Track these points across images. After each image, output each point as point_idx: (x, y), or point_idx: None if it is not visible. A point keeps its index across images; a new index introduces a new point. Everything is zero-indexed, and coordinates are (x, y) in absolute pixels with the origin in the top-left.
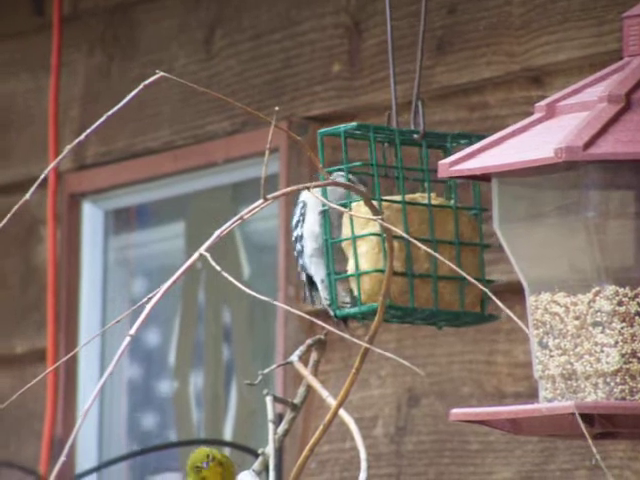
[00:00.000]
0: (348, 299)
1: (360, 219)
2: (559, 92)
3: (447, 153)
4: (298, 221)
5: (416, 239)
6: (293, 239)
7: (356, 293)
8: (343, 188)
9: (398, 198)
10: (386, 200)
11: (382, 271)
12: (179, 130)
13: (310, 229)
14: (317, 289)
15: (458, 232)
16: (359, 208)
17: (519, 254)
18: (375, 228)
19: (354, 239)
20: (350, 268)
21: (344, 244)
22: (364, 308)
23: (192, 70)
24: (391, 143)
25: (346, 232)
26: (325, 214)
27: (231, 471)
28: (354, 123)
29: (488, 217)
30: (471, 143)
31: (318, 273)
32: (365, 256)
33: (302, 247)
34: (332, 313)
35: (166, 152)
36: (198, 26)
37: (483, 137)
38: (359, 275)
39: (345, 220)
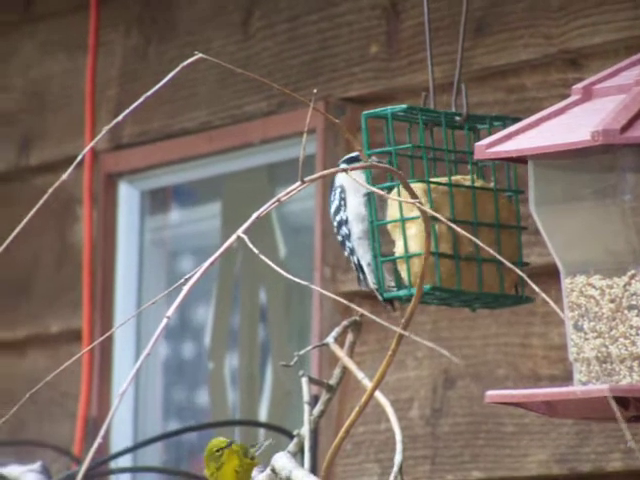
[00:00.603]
0: (393, 282)
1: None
2: (595, 75)
3: (475, 134)
4: (339, 206)
5: (460, 222)
6: (336, 224)
7: (403, 275)
8: (382, 170)
9: (444, 180)
10: (434, 182)
11: (433, 254)
12: (216, 111)
13: (355, 211)
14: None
15: (498, 215)
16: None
17: (555, 237)
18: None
19: (403, 221)
20: (398, 250)
21: (390, 226)
22: (413, 290)
23: (229, 51)
24: (426, 125)
25: (392, 214)
26: (370, 196)
27: (247, 465)
28: (403, 105)
29: (524, 199)
30: (505, 126)
31: (365, 256)
32: (414, 238)
33: (348, 231)
34: (379, 296)
35: (202, 133)
36: (235, 8)
37: (518, 120)
38: (408, 257)
39: (391, 202)
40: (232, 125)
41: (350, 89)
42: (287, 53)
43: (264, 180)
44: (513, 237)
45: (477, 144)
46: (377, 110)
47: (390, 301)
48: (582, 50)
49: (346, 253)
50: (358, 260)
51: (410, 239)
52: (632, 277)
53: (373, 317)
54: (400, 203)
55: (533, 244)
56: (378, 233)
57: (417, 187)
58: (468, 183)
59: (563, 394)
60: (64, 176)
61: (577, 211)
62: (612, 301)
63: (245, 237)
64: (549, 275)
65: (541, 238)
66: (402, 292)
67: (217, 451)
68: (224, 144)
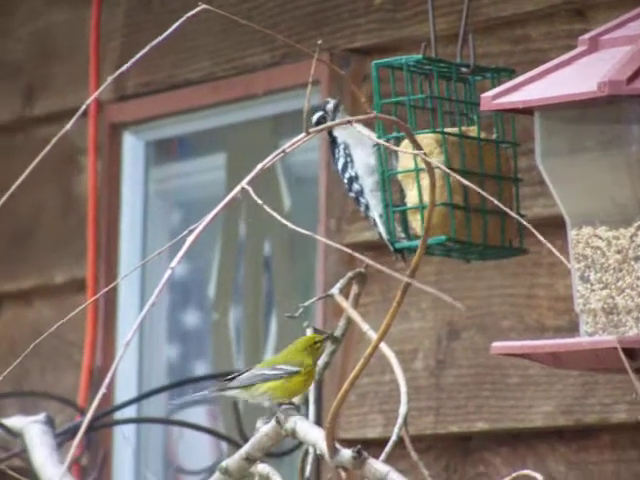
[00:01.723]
0: (403, 233)
1: (424, 150)
2: (602, 26)
3: (470, 86)
4: (346, 162)
5: (470, 173)
6: (346, 181)
7: (415, 225)
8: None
9: (454, 131)
10: (448, 133)
11: (447, 204)
12: (219, 62)
13: (365, 163)
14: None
15: (500, 166)
16: (422, 141)
17: (561, 188)
18: (439, 160)
19: (417, 171)
20: (410, 200)
21: (401, 177)
22: (429, 241)
23: (233, 2)
24: (425, 76)
25: (405, 164)
26: (380, 146)
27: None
28: (418, 55)
29: (522, 152)
30: (511, 77)
31: (377, 208)
32: (429, 189)
33: (360, 186)
34: (391, 246)
35: (206, 83)
36: None
37: (513, 71)
38: (423, 208)
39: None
40: (236, 76)
41: (355, 40)
42: (291, 4)
43: (268, 131)
44: (511, 189)
45: (483, 95)
46: (390, 59)
47: (401, 251)
48: (588, 1)
49: (362, 209)
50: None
51: (425, 190)
52: (638, 228)
53: (379, 266)
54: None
55: (538, 195)
56: (389, 183)
57: (431, 138)
58: (472, 135)
59: (569, 345)
60: (67, 126)
61: (583, 163)
62: (619, 252)
63: (249, 188)
64: (554, 226)
65: (546, 189)
66: (414, 243)
67: (315, 344)
68: (228, 95)
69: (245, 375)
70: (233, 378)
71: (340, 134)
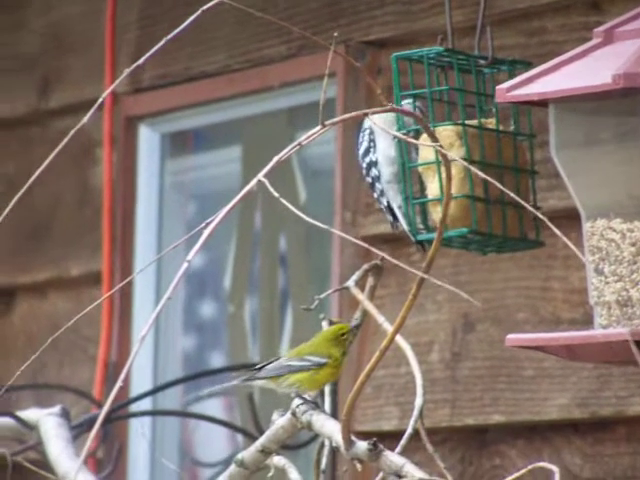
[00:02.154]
0: (422, 225)
1: (445, 143)
2: (617, 18)
3: (485, 78)
4: (368, 147)
5: (490, 165)
6: (365, 165)
7: (435, 217)
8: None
9: (474, 123)
10: (468, 125)
11: (469, 197)
12: (235, 54)
13: (385, 154)
14: (395, 215)
15: (517, 158)
16: (442, 133)
17: (576, 180)
18: (460, 153)
19: (438, 164)
20: (431, 192)
21: (421, 169)
22: (450, 233)
23: None
24: (442, 68)
25: (425, 156)
26: (400, 139)
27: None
28: (439, 47)
29: (537, 144)
30: (527, 69)
31: (395, 199)
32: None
33: (378, 172)
34: (412, 237)
35: (222, 76)
36: None
37: (530, 64)
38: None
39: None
40: (252, 68)
41: (371, 32)
42: None
43: (284, 124)
44: (527, 181)
45: (498, 87)
46: (410, 52)
47: (421, 243)
48: None
49: (375, 195)
50: (388, 202)
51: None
52: None
53: (394, 261)
54: None
55: (553, 187)
56: (410, 175)
57: (451, 130)
58: (491, 127)
59: (583, 338)
60: (85, 119)
61: (598, 155)
62: (633, 244)
63: (266, 181)
64: (569, 219)
65: (561, 182)
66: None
67: (342, 335)
68: (244, 87)
69: (272, 365)
70: (261, 368)
71: (367, 119)
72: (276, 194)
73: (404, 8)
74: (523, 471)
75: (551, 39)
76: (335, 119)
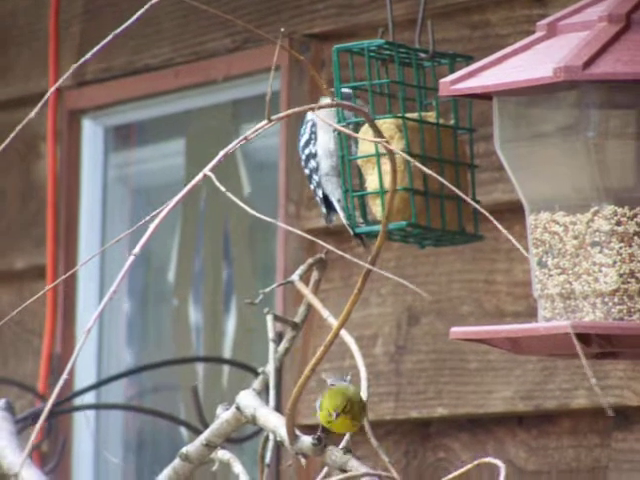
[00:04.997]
0: (361, 218)
1: (385, 135)
2: (560, 11)
3: (425, 71)
4: (309, 139)
5: (429, 158)
6: (304, 157)
7: (375, 210)
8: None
9: (414, 117)
10: (408, 119)
11: (408, 190)
12: (179, 47)
13: (325, 146)
14: (333, 208)
15: (457, 152)
16: (382, 125)
17: (520, 174)
18: (400, 146)
19: (378, 156)
20: (370, 185)
21: (361, 162)
22: (390, 226)
23: None
24: (383, 62)
25: (365, 149)
26: (340, 132)
27: (359, 411)
28: (380, 40)
29: (481, 137)
30: (469, 63)
31: (334, 192)
32: (390, 174)
33: (317, 164)
34: (351, 231)
35: (166, 69)
36: None
37: (471, 58)
38: (383, 193)
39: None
40: (196, 62)
41: (314, 25)
42: None
43: (228, 117)
44: (467, 174)
45: (441, 80)
46: (351, 44)
47: (360, 236)
48: None
49: (312, 187)
50: (324, 195)
51: (385, 175)
52: (595, 214)
53: (340, 252)
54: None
55: (497, 180)
56: (349, 168)
57: (391, 122)
58: (431, 120)
59: (527, 330)
60: (32, 114)
61: (542, 148)
62: (575, 237)
63: (212, 175)
64: (513, 212)
65: (504, 175)
66: (375, 228)
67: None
68: (188, 81)
69: None
70: None
71: (310, 112)
72: (223, 189)
73: (346, 1)
74: (469, 466)
75: (494, 32)
76: (281, 114)
